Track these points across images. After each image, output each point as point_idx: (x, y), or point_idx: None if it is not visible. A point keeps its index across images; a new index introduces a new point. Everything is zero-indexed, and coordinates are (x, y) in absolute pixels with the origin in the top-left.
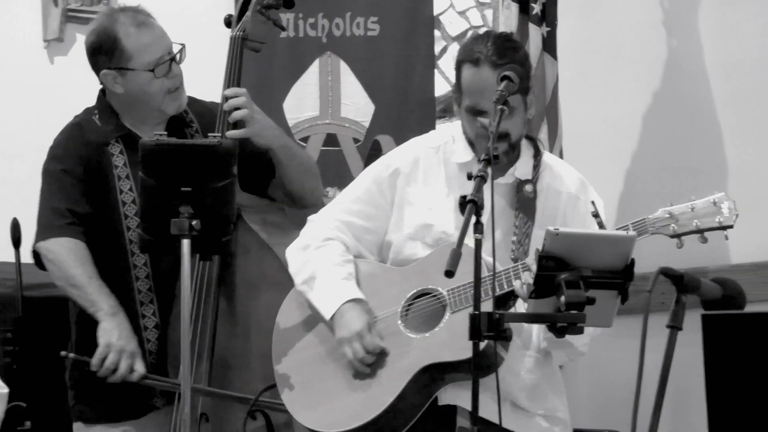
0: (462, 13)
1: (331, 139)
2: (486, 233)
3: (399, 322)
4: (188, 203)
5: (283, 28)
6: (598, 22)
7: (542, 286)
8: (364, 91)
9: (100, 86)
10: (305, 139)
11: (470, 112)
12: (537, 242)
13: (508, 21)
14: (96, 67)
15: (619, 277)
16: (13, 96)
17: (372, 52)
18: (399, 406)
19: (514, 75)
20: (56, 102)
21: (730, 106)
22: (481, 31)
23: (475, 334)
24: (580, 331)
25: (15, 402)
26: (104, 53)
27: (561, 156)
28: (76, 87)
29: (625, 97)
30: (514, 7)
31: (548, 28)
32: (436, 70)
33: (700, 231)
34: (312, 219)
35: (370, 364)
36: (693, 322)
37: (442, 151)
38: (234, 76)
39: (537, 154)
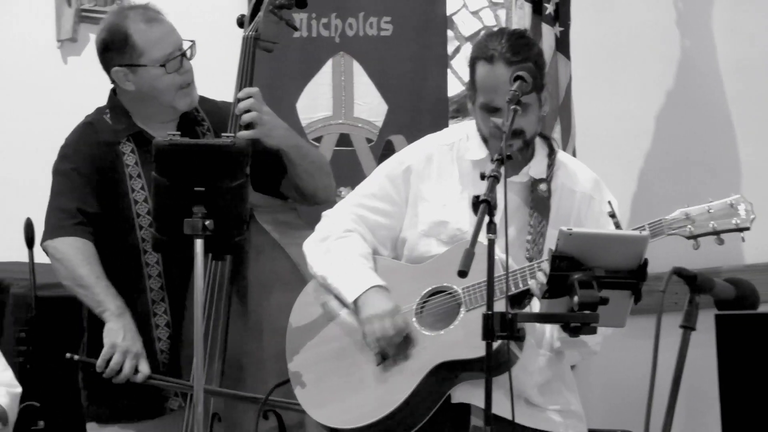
0: (475, 13)
1: (344, 139)
2: (500, 232)
3: (413, 319)
4: (201, 203)
5: (295, 28)
6: (612, 22)
7: (555, 286)
8: (377, 91)
9: (112, 86)
10: (318, 139)
11: (484, 109)
12: (551, 241)
13: (521, 21)
14: (107, 65)
15: (632, 277)
16: (27, 96)
17: (385, 52)
18: (412, 403)
19: (527, 75)
20: (70, 102)
21: (744, 106)
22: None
23: (488, 335)
24: (594, 331)
25: (28, 401)
26: (115, 50)
27: (574, 155)
28: (90, 87)
29: (639, 97)
30: (528, 7)
31: (561, 28)
32: (449, 70)
33: (716, 233)
34: (327, 214)
35: (390, 355)
36: (706, 322)
37: (456, 149)
38: (246, 76)
39: (551, 153)
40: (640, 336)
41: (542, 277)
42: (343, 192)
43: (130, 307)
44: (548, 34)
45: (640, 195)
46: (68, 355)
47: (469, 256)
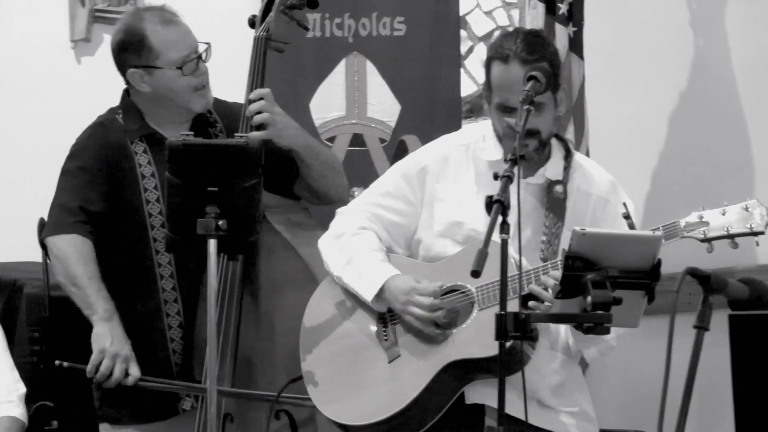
0: (488, 13)
1: (357, 139)
2: (515, 232)
3: None
4: (215, 203)
5: (306, 29)
6: (625, 22)
7: (569, 286)
8: (390, 91)
9: (125, 86)
10: (332, 139)
11: (500, 109)
12: (566, 243)
13: (534, 21)
14: (122, 66)
15: (645, 278)
16: (41, 96)
17: (398, 52)
18: (424, 400)
19: (540, 74)
20: (83, 102)
21: (757, 106)
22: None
23: (501, 335)
24: (607, 332)
25: (42, 401)
26: (131, 51)
27: (587, 155)
28: (103, 87)
29: (652, 97)
30: (541, 7)
31: (575, 28)
32: (462, 70)
33: (730, 236)
34: (341, 211)
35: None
36: (720, 322)
37: (472, 149)
38: (257, 77)
39: (568, 155)
40: (654, 336)
41: (548, 280)
42: (356, 192)
43: (143, 308)
44: (561, 34)
45: (652, 195)
46: (57, 362)
47: (482, 255)
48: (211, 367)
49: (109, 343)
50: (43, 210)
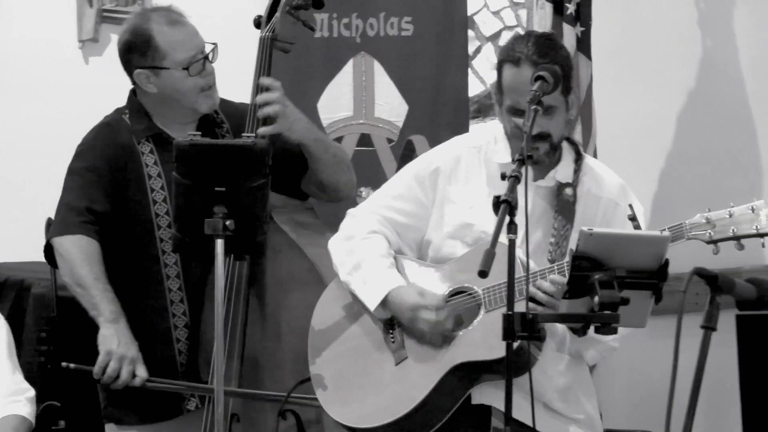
0: (496, 13)
1: (364, 139)
2: (525, 234)
3: None
4: (222, 203)
5: (312, 29)
6: (633, 22)
7: (576, 287)
8: (397, 91)
9: (132, 86)
10: (339, 140)
11: (511, 112)
12: (574, 245)
13: (542, 21)
14: (129, 67)
15: (653, 278)
16: (48, 96)
17: (406, 52)
18: (431, 402)
19: (547, 74)
20: (91, 102)
21: (765, 106)
22: (515, 31)
23: (508, 335)
24: (614, 332)
25: (49, 401)
26: (138, 52)
27: (595, 155)
28: (111, 87)
29: (660, 97)
30: (549, 7)
31: (582, 28)
32: (469, 70)
33: (736, 238)
34: (352, 213)
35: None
36: (727, 322)
37: (484, 151)
38: (263, 77)
39: (578, 158)
40: (661, 336)
41: (548, 285)
42: (363, 192)
43: (149, 308)
44: (569, 34)
45: (660, 195)
46: (64, 363)
47: (489, 256)
48: (219, 367)
49: (115, 345)
50: (50, 210)
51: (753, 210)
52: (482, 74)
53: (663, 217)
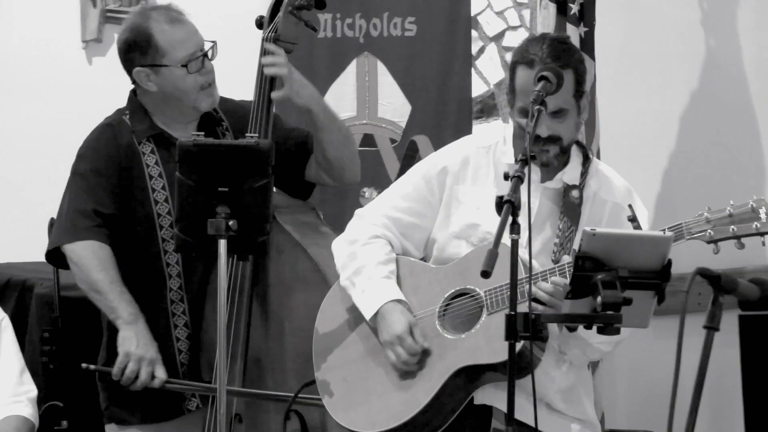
0: (500, 14)
1: (368, 140)
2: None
3: (436, 322)
4: (225, 203)
5: (314, 29)
6: (636, 22)
7: (579, 287)
8: (401, 91)
9: (132, 87)
10: None
11: (523, 113)
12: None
13: (545, 21)
14: (129, 66)
15: (655, 278)
16: (52, 97)
17: (409, 52)
18: (435, 406)
19: (551, 74)
20: (94, 103)
21: None
22: (519, 31)
23: (511, 335)
24: (617, 332)
25: (52, 402)
26: (137, 50)
27: (598, 156)
28: (115, 88)
29: (663, 97)
30: (552, 7)
31: (586, 28)
32: (473, 71)
33: (737, 237)
34: (360, 214)
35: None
36: (730, 322)
37: (493, 152)
38: (266, 78)
39: (586, 161)
40: (664, 337)
41: (548, 286)
42: (366, 192)
43: (150, 308)
44: (573, 35)
45: (663, 195)
46: (84, 365)
47: (492, 256)
48: (221, 368)
49: (134, 347)
50: (53, 211)
51: (752, 209)
52: (486, 74)
53: (666, 217)
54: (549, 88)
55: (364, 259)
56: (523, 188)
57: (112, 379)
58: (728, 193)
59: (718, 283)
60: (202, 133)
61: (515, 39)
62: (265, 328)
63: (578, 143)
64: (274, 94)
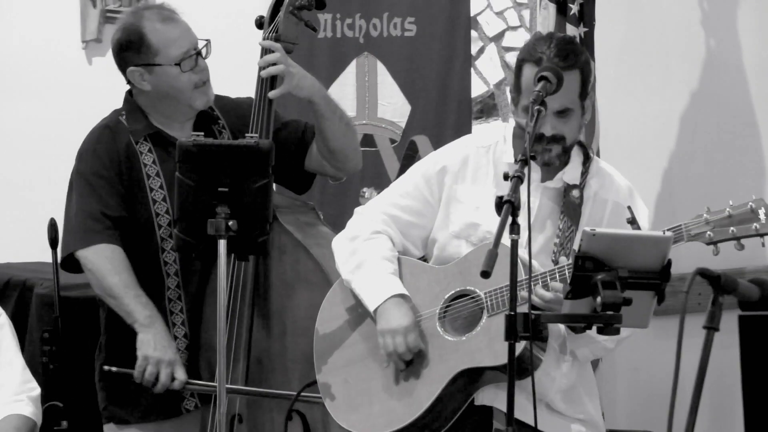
0: (499, 14)
1: (367, 140)
2: (531, 235)
3: (437, 323)
4: (225, 203)
5: (314, 29)
6: (636, 22)
7: (579, 287)
8: (400, 91)
9: (127, 87)
10: None
11: (529, 111)
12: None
13: (545, 21)
14: (123, 65)
15: (655, 278)
16: (51, 97)
17: (409, 52)
18: (437, 408)
19: (551, 75)
20: (94, 103)
21: None
22: (518, 31)
23: (511, 335)
24: (617, 332)
25: (52, 402)
26: (131, 50)
27: (598, 155)
28: (114, 88)
29: (663, 97)
30: (552, 8)
31: (586, 29)
32: (473, 71)
33: (736, 238)
34: (360, 211)
35: (408, 363)
36: (730, 323)
37: (493, 151)
38: (267, 78)
39: (586, 160)
40: (664, 337)
41: (546, 296)
42: (366, 192)
43: None
44: (572, 35)
45: (663, 195)
46: (106, 367)
47: (492, 256)
48: (220, 367)
49: (152, 350)
50: (53, 211)
51: (752, 209)
52: (485, 75)
53: (666, 217)
54: (549, 89)
55: (367, 253)
56: (523, 187)
57: (134, 381)
58: (728, 193)
59: (718, 283)
60: (202, 133)
61: (515, 39)
62: (267, 328)
63: (579, 143)
64: (272, 93)
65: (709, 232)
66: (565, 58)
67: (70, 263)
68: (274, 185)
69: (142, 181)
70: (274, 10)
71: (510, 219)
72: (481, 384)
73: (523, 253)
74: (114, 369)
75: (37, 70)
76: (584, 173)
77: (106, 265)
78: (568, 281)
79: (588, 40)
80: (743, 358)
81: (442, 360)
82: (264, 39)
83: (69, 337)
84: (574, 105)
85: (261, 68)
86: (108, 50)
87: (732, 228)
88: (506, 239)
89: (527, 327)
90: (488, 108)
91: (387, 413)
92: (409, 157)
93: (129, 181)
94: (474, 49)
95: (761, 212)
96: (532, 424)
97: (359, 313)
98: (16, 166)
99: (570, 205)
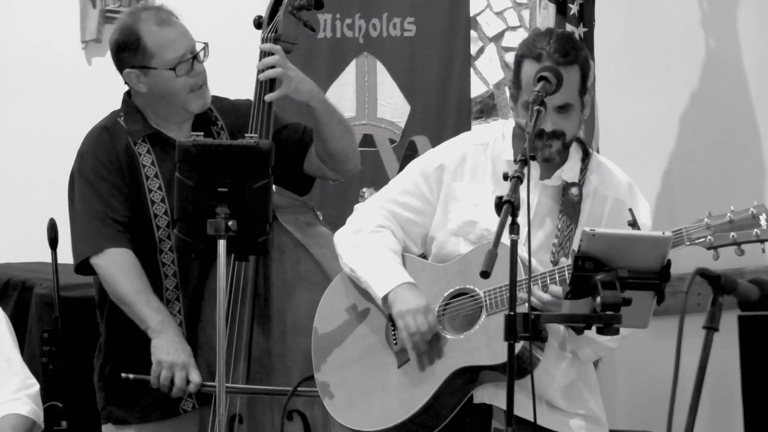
0: (499, 14)
1: (367, 140)
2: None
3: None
4: (225, 204)
5: (313, 29)
6: (636, 22)
7: (578, 287)
8: (400, 91)
9: (125, 88)
10: None
11: (528, 108)
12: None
13: (545, 21)
14: (120, 66)
15: (655, 278)
16: (51, 97)
17: (409, 52)
18: (434, 405)
19: (551, 75)
20: (94, 103)
21: None
22: (518, 31)
23: (510, 335)
24: (616, 332)
25: (51, 402)
26: (127, 51)
27: None
28: (114, 88)
29: (663, 98)
30: (552, 8)
31: (585, 29)
32: (472, 71)
33: (737, 243)
34: (359, 208)
35: (422, 351)
36: (729, 323)
37: (491, 148)
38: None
39: (585, 157)
40: (664, 337)
41: (544, 295)
42: (366, 193)
43: None
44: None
45: (663, 196)
46: (123, 375)
47: (491, 256)
48: (220, 367)
49: (165, 354)
50: (53, 211)
51: (753, 215)
52: (485, 75)
53: (665, 217)
54: (549, 89)
55: (372, 246)
56: (522, 185)
57: (151, 387)
58: (728, 194)
59: (717, 283)
60: (202, 133)
61: (515, 39)
62: (267, 328)
63: (578, 139)
64: (268, 96)
65: (709, 237)
66: (565, 54)
67: (85, 267)
68: (273, 186)
69: (140, 182)
70: (273, 10)
71: (510, 219)
72: (479, 382)
73: (522, 251)
74: (131, 376)
75: (36, 70)
76: (583, 170)
77: (117, 272)
78: (568, 281)
79: (588, 40)
80: (743, 358)
81: (441, 357)
82: (263, 39)
83: (69, 337)
84: (574, 100)
85: (259, 71)
86: (107, 50)
87: (733, 233)
88: (506, 239)
89: (527, 327)
90: (488, 108)
91: (385, 410)
92: (408, 157)
93: (129, 182)
94: (474, 49)
95: (762, 218)
96: (532, 420)
97: (358, 311)
98: (15, 166)
99: (569, 204)
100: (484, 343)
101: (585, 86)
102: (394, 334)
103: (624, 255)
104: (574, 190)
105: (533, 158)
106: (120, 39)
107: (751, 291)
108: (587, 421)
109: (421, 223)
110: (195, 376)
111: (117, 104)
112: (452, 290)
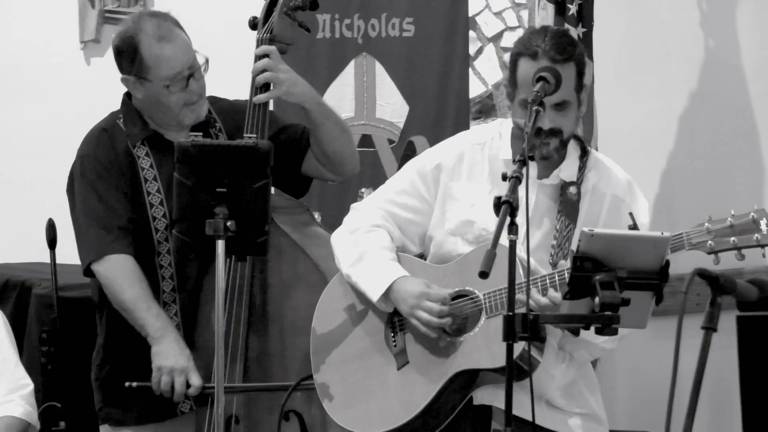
0: (498, 14)
1: (366, 140)
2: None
3: None
4: (224, 204)
5: (308, 30)
6: (635, 22)
7: (577, 287)
8: (399, 92)
9: (125, 89)
10: None
11: (524, 106)
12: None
13: (544, 22)
14: (119, 69)
15: (654, 278)
16: (50, 97)
17: (407, 53)
18: (434, 407)
19: (549, 75)
20: (93, 103)
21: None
22: (517, 32)
23: (509, 335)
24: (615, 332)
25: (50, 402)
26: (126, 59)
27: None
28: (113, 88)
29: (662, 98)
30: (551, 8)
31: (584, 29)
32: (471, 71)
33: (737, 248)
34: (356, 207)
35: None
36: (728, 323)
37: (488, 147)
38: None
39: (583, 155)
40: (663, 337)
41: (543, 301)
42: (364, 192)
43: None
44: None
45: (662, 196)
46: (127, 383)
47: (490, 257)
48: (218, 368)
49: (164, 360)
50: (53, 211)
51: (753, 220)
52: (484, 75)
53: (665, 218)
54: (548, 89)
55: (367, 245)
56: (520, 185)
57: (154, 394)
58: (727, 193)
59: (716, 283)
60: (200, 133)
61: (513, 40)
62: (265, 329)
63: (576, 137)
64: (257, 98)
65: (710, 242)
66: (561, 51)
67: (91, 271)
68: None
69: (139, 184)
70: (268, 11)
71: (508, 219)
72: (478, 384)
73: (520, 251)
74: (134, 384)
75: (35, 70)
76: (582, 167)
77: (117, 279)
78: (567, 282)
79: (587, 41)
80: (741, 358)
81: (440, 359)
82: (258, 40)
83: (67, 337)
84: (571, 97)
85: (253, 74)
86: (106, 51)
87: (733, 238)
88: (504, 240)
89: (525, 328)
90: (487, 108)
91: (384, 411)
92: (407, 157)
93: (129, 184)
94: (472, 50)
95: (763, 223)
96: (531, 420)
97: (356, 311)
98: (15, 166)
99: (567, 203)
100: (484, 346)
101: (581, 83)
102: (394, 337)
103: (623, 255)
104: (572, 189)
105: (531, 158)
106: (119, 46)
107: (750, 291)
108: (586, 419)
109: (418, 222)
110: (195, 380)
111: (116, 104)
112: (451, 292)
